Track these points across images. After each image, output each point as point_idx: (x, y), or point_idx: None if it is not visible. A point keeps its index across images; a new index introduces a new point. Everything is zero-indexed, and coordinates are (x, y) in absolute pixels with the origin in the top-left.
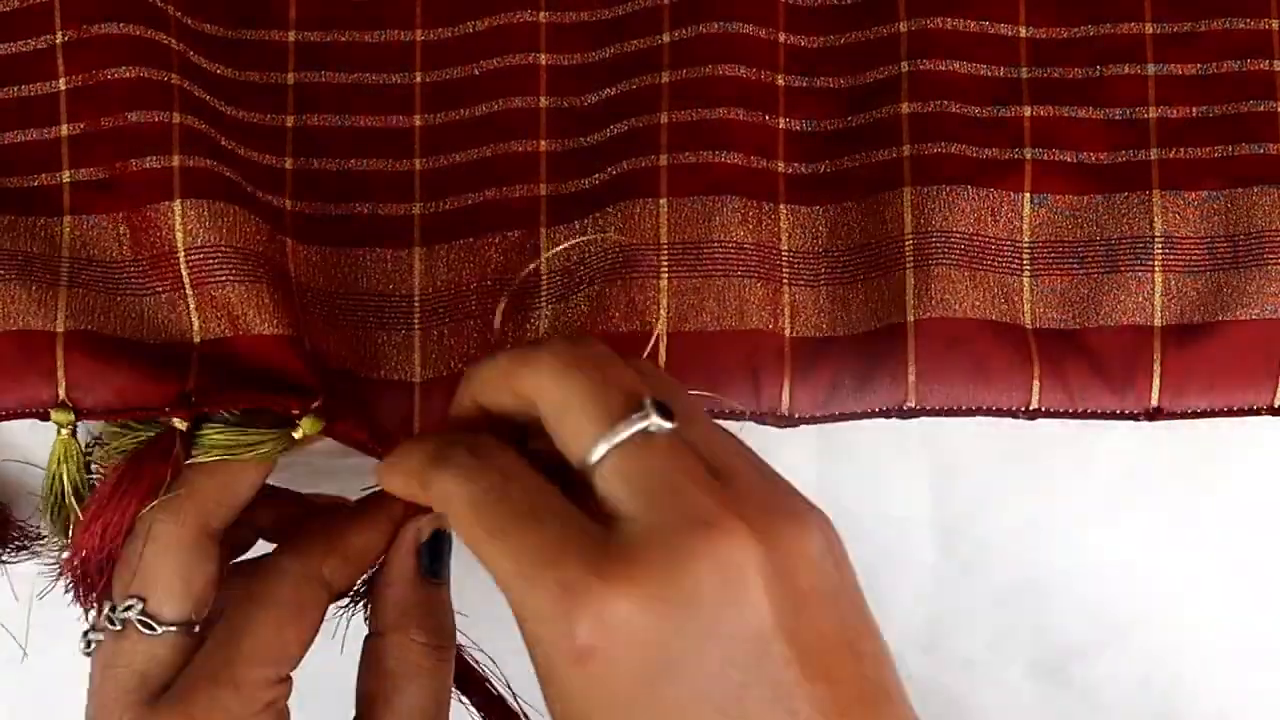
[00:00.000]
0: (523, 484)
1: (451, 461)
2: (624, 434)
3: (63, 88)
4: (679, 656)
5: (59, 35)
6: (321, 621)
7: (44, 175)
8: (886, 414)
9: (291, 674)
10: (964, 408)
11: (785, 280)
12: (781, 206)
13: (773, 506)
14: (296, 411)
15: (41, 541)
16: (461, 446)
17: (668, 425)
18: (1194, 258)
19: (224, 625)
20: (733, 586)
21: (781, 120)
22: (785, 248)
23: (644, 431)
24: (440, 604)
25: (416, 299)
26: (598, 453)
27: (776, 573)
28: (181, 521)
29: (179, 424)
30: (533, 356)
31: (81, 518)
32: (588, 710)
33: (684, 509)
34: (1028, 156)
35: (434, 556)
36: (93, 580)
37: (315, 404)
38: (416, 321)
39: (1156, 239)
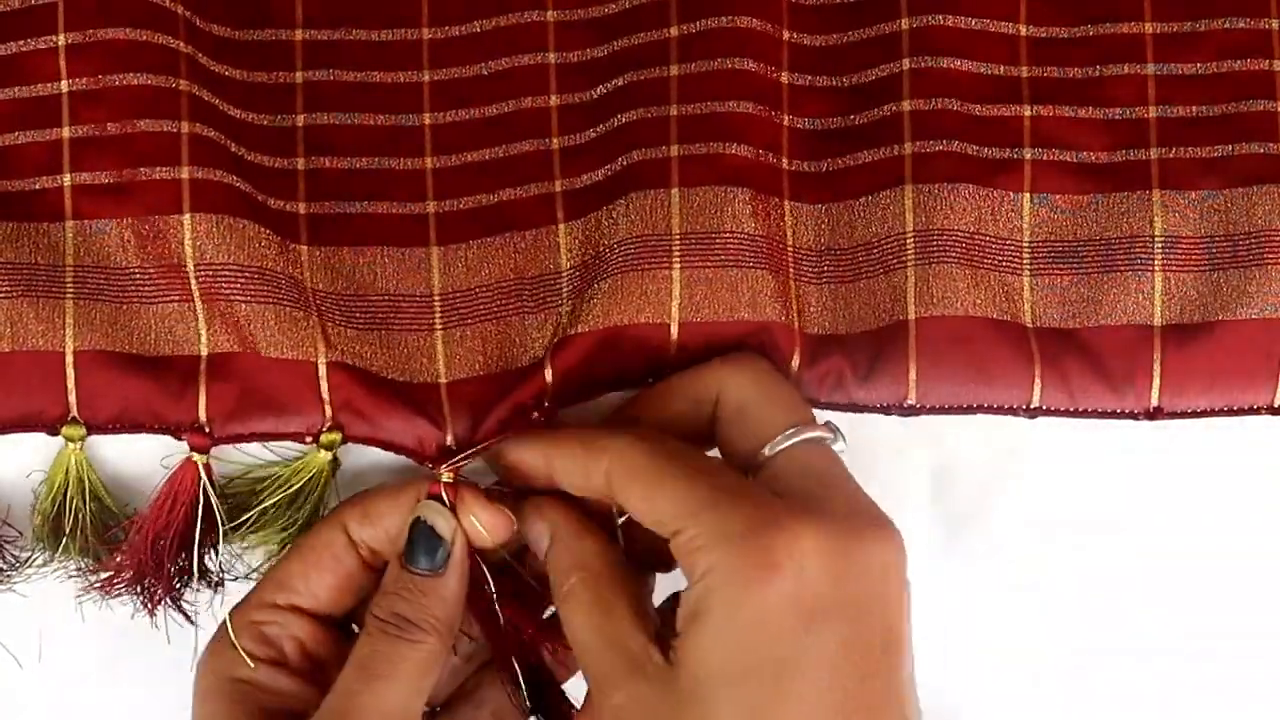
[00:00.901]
0: (687, 450)
1: (607, 447)
2: (810, 434)
3: (65, 90)
4: (840, 606)
5: (62, 37)
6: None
7: (45, 178)
8: (887, 410)
9: (303, 608)
10: (965, 405)
11: (791, 275)
12: (786, 203)
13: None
14: (310, 439)
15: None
16: (620, 439)
17: (842, 445)
18: (1194, 257)
19: None
20: (889, 579)
21: (785, 118)
22: (789, 244)
23: (819, 439)
24: (405, 588)
25: (437, 299)
26: (785, 440)
27: (904, 582)
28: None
29: (198, 458)
30: (727, 362)
31: (134, 528)
32: (757, 623)
33: (857, 502)
34: (1028, 156)
35: (411, 546)
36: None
37: (324, 427)
38: (438, 321)
39: (1156, 238)
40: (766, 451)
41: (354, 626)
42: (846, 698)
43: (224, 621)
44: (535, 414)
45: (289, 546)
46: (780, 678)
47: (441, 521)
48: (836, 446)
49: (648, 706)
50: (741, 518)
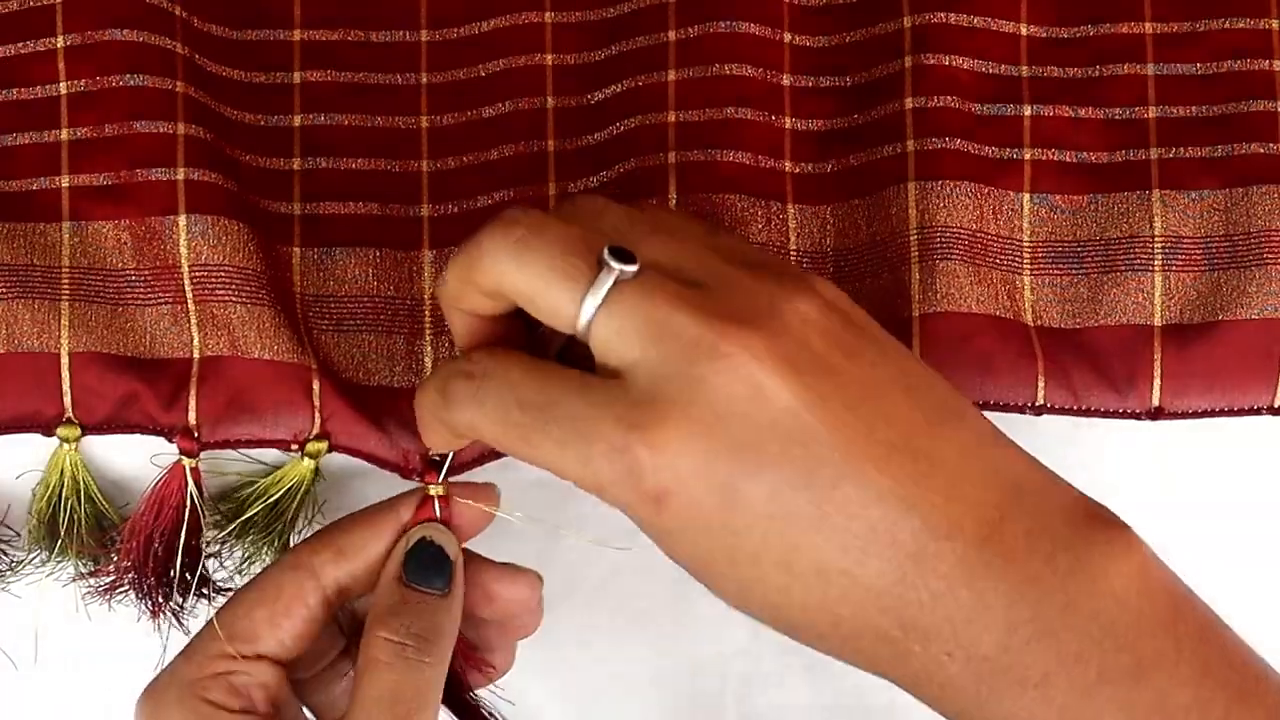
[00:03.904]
0: (529, 380)
1: (455, 395)
2: (599, 296)
3: (64, 92)
4: (741, 467)
5: (60, 39)
6: (312, 615)
7: (42, 179)
8: None
9: (269, 657)
10: (971, 402)
11: None
12: (790, 206)
13: (758, 296)
14: (296, 447)
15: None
16: (457, 376)
17: (632, 268)
18: (1194, 257)
19: None
20: (753, 388)
21: (788, 120)
22: (793, 247)
23: (615, 283)
24: (417, 608)
25: (427, 303)
26: (583, 321)
27: (786, 356)
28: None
29: (189, 462)
30: (478, 252)
31: (126, 531)
32: (693, 544)
33: (678, 340)
34: (1027, 156)
35: (414, 563)
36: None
37: (311, 434)
38: (428, 325)
39: (1156, 239)
40: (580, 331)
41: None
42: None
43: (167, 673)
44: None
45: (243, 590)
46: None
47: (446, 540)
48: (626, 273)
49: None
50: (605, 466)
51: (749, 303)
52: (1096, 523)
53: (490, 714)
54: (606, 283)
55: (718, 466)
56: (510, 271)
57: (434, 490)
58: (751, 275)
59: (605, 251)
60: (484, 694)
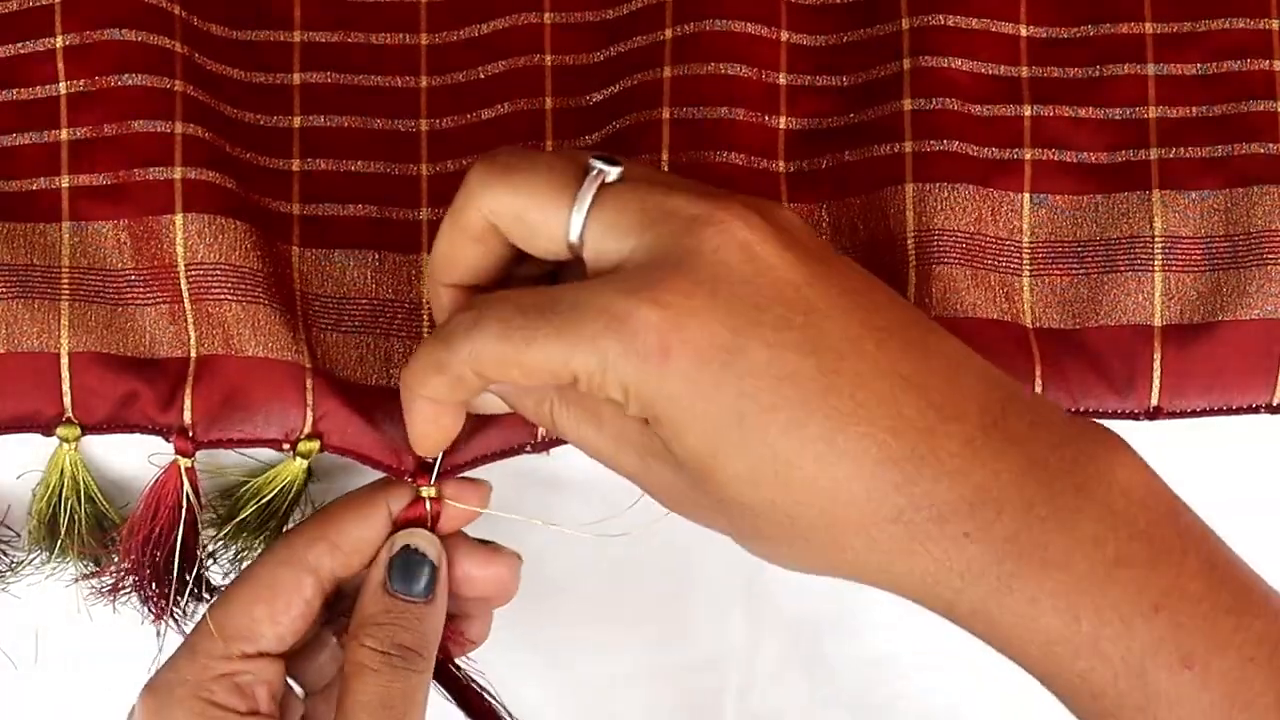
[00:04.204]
0: (527, 292)
1: (454, 332)
2: (588, 198)
3: (63, 92)
4: (746, 326)
5: (59, 39)
6: (310, 609)
7: (42, 179)
8: None
9: (271, 653)
10: None
11: None
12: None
13: (743, 199)
14: (287, 446)
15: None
16: (455, 319)
17: (618, 169)
18: (1194, 257)
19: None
20: (753, 252)
21: (783, 120)
22: None
23: (603, 186)
24: (402, 616)
25: (425, 305)
26: (575, 228)
27: (781, 235)
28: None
29: (184, 462)
30: (466, 187)
31: (126, 532)
32: (702, 411)
33: (674, 218)
34: (1027, 156)
35: (399, 572)
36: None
37: (302, 433)
38: (425, 328)
39: (1156, 239)
40: (574, 240)
41: None
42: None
43: (169, 672)
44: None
45: (237, 587)
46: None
47: (430, 546)
48: (612, 174)
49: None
50: (607, 336)
51: (738, 202)
52: (1095, 428)
53: (471, 682)
54: (593, 185)
55: (723, 322)
56: (500, 194)
57: (425, 493)
58: (731, 192)
59: (590, 159)
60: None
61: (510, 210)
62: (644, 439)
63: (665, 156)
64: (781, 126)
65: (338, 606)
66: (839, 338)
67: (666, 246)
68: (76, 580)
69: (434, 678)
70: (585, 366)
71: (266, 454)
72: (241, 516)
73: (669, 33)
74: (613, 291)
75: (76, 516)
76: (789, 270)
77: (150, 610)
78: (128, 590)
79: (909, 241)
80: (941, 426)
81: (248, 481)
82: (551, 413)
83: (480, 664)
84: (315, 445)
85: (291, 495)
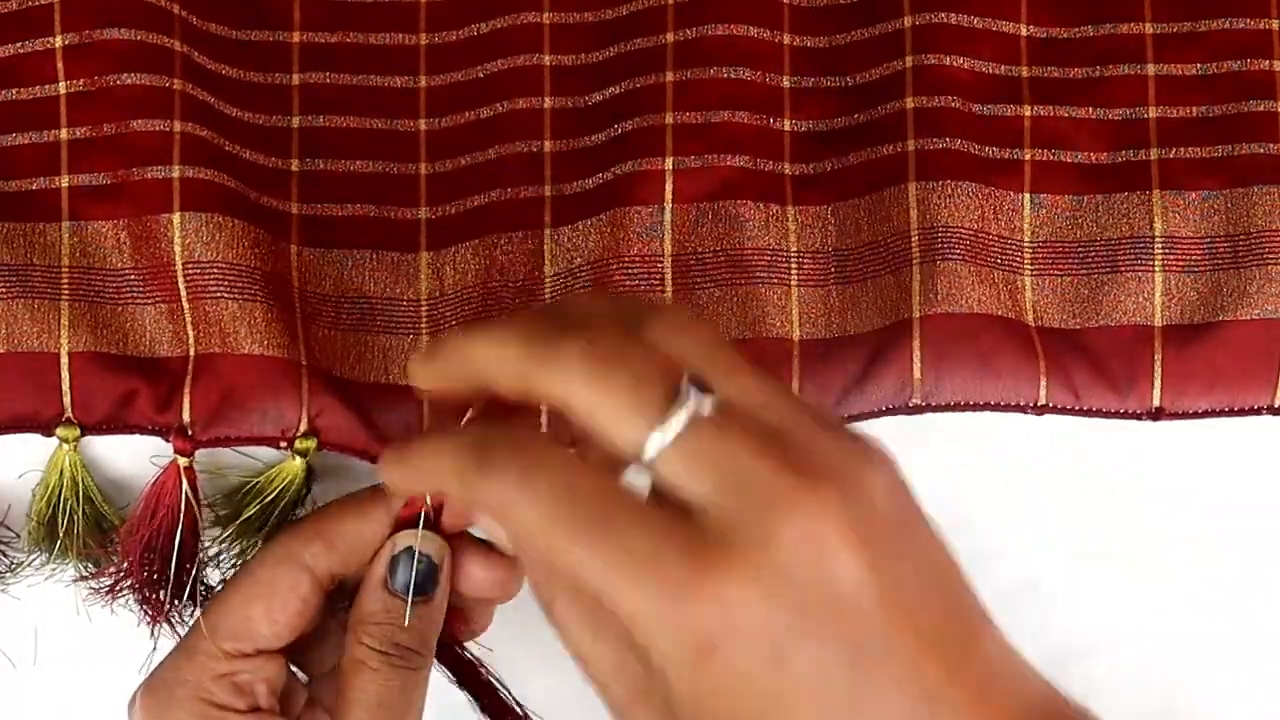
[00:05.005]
0: (588, 481)
1: (496, 465)
2: (674, 429)
3: (63, 91)
4: (797, 631)
5: (59, 39)
6: (307, 607)
7: (41, 179)
8: (894, 411)
9: (269, 651)
10: (973, 403)
11: (794, 283)
12: (790, 208)
13: (835, 455)
14: (285, 444)
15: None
16: (505, 445)
17: (709, 404)
18: (1194, 258)
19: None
20: (822, 551)
21: (787, 122)
22: (794, 249)
23: (692, 417)
24: (401, 615)
25: (423, 303)
26: (650, 451)
27: (857, 521)
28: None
29: (183, 461)
30: (556, 357)
31: (125, 533)
32: (729, 705)
33: (754, 490)
34: (1027, 156)
35: (401, 572)
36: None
37: (299, 431)
38: (424, 326)
39: (1157, 239)
40: (645, 461)
41: None
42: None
43: (168, 671)
44: None
45: (234, 586)
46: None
47: (431, 546)
48: (707, 408)
49: None
50: (656, 598)
51: (826, 459)
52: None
53: (481, 667)
54: (682, 417)
55: (775, 625)
56: (579, 389)
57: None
58: (828, 431)
59: (685, 383)
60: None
61: (581, 408)
62: (644, 685)
63: (670, 163)
64: (787, 129)
65: (341, 595)
66: (881, 649)
67: (742, 520)
68: (75, 581)
69: (441, 662)
70: (619, 603)
71: (267, 455)
72: (245, 516)
73: (671, 37)
74: (676, 555)
75: (76, 517)
76: (857, 569)
77: (148, 611)
78: (126, 591)
79: (913, 238)
80: None
81: (249, 481)
82: (553, 600)
83: (487, 651)
84: (313, 443)
85: (292, 493)
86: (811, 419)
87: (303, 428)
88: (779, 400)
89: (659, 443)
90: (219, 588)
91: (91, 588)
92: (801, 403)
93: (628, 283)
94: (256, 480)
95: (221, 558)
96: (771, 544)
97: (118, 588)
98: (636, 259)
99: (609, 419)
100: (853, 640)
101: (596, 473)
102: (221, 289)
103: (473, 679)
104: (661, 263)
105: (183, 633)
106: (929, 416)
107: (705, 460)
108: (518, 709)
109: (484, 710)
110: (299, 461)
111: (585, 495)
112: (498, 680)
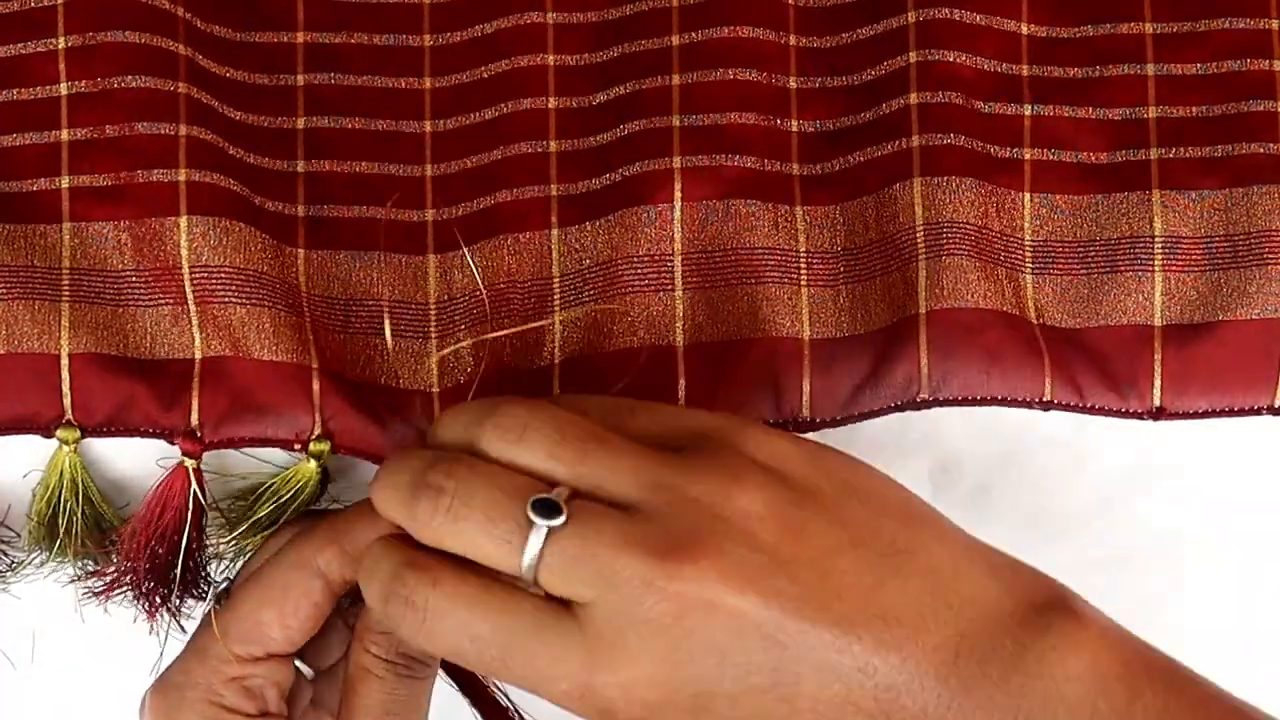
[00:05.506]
0: (477, 616)
1: (401, 623)
2: (532, 553)
3: (64, 93)
4: (708, 684)
5: (61, 40)
6: (320, 611)
7: (42, 180)
8: (901, 407)
9: (279, 655)
10: (979, 398)
11: (804, 282)
12: (799, 209)
13: (695, 503)
14: (298, 446)
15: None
16: (397, 601)
17: (559, 521)
18: (1194, 257)
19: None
20: (711, 611)
21: (794, 123)
22: (803, 249)
23: (549, 535)
24: None
25: (432, 306)
26: (527, 574)
27: (737, 572)
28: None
29: (191, 463)
30: (418, 526)
31: (127, 533)
32: None
33: (628, 584)
34: (1028, 156)
35: None
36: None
37: (313, 434)
38: (433, 329)
39: (1157, 239)
40: (524, 579)
41: None
42: None
43: (179, 673)
44: None
45: (246, 590)
46: None
47: None
48: (559, 520)
49: None
50: (573, 704)
51: (690, 521)
52: (1040, 626)
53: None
54: (537, 542)
55: (685, 691)
56: (449, 542)
57: None
58: (685, 472)
59: (529, 510)
60: None
61: (462, 552)
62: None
63: (677, 163)
64: (794, 130)
65: (347, 594)
66: (796, 658)
67: (624, 614)
68: (73, 581)
69: (444, 670)
70: (543, 691)
71: (278, 459)
72: (256, 516)
73: (676, 39)
74: (576, 664)
75: (75, 518)
76: (751, 607)
77: (147, 612)
78: (125, 591)
79: (919, 234)
80: (897, 703)
81: (261, 483)
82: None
83: None
84: (326, 446)
85: (305, 495)
86: (666, 467)
87: (316, 430)
88: (629, 464)
89: (530, 564)
90: (223, 584)
91: (89, 588)
92: (648, 427)
93: (637, 283)
94: (271, 481)
95: (227, 557)
96: (660, 628)
97: (114, 587)
98: (645, 259)
99: (484, 556)
100: (766, 664)
101: (478, 594)
102: (229, 293)
103: (475, 687)
104: (671, 263)
105: (188, 629)
106: (934, 412)
107: (574, 566)
108: (518, 718)
109: (485, 719)
110: (313, 464)
111: (479, 628)
112: (499, 689)
